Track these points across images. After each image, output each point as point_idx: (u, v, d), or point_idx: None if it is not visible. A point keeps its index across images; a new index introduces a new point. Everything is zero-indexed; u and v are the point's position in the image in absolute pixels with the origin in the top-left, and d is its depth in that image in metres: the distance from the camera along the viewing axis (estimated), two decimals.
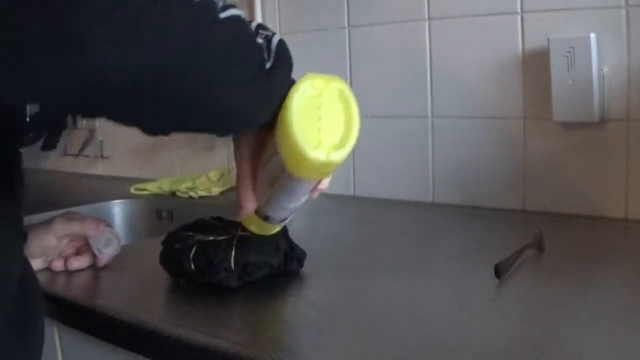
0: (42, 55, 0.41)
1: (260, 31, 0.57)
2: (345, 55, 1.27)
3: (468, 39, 1.11)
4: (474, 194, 1.14)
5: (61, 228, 0.85)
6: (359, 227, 1.10)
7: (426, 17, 1.15)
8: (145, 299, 0.76)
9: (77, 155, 1.87)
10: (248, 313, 0.71)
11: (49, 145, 1.89)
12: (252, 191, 0.67)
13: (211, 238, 0.77)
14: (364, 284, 0.77)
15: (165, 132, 0.54)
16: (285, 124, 0.57)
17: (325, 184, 0.67)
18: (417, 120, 1.19)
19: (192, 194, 1.39)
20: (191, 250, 0.76)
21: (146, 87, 0.45)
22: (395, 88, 1.21)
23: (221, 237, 0.77)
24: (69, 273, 0.85)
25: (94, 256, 0.86)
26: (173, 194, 1.43)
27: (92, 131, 1.82)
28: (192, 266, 0.75)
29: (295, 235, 0.82)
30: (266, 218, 0.68)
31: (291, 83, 0.59)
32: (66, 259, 0.85)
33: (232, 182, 1.45)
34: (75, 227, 0.85)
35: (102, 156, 1.82)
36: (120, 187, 1.57)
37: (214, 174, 1.46)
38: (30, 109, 0.81)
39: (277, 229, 0.71)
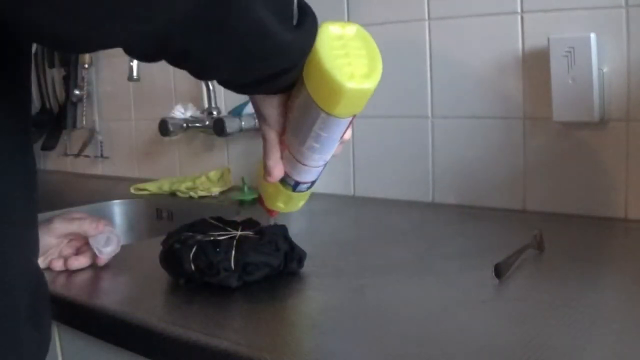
0: None
1: None
2: None
3: (468, 39, 1.11)
4: (474, 194, 1.14)
5: (61, 228, 0.85)
6: (359, 227, 1.10)
7: (426, 17, 1.15)
8: (145, 299, 0.76)
9: (77, 155, 1.87)
10: (248, 313, 0.71)
11: (49, 145, 1.89)
12: (280, 158, 0.68)
13: (211, 238, 0.77)
14: (364, 284, 0.77)
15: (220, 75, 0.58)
16: (318, 63, 0.60)
17: (348, 134, 0.69)
18: (417, 120, 1.19)
19: (192, 194, 1.39)
20: (191, 250, 0.76)
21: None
22: (395, 88, 1.21)
23: (221, 237, 0.77)
24: (69, 273, 0.85)
25: (94, 256, 0.86)
26: (173, 194, 1.44)
27: (92, 131, 1.82)
28: (192, 266, 0.75)
29: (295, 235, 0.82)
30: (296, 185, 0.70)
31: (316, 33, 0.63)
32: (66, 259, 0.85)
33: (232, 182, 1.45)
34: (75, 227, 0.85)
35: (102, 156, 1.82)
36: (120, 187, 1.57)
37: (214, 174, 1.46)
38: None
39: (302, 202, 0.74)
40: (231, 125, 1.32)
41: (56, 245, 0.85)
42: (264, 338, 0.63)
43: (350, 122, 0.67)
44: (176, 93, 1.57)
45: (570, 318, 0.63)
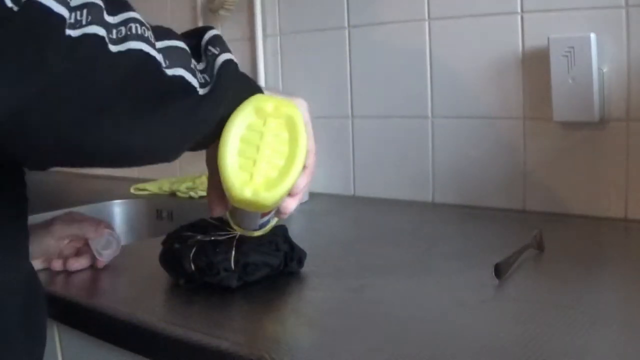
0: None
1: (209, 47, 0.56)
2: (345, 55, 1.27)
3: (468, 39, 1.11)
4: (473, 193, 1.14)
5: (61, 229, 0.85)
6: (359, 227, 1.10)
7: (426, 17, 1.15)
8: (145, 299, 0.76)
9: None
10: (248, 313, 0.71)
11: None
12: (222, 196, 0.63)
13: (211, 238, 0.77)
14: (364, 284, 0.77)
15: (47, 168, 0.53)
16: (219, 150, 0.54)
17: (289, 207, 0.63)
18: (417, 120, 1.19)
19: (192, 194, 1.39)
20: (191, 250, 0.76)
21: (13, 130, 0.44)
22: (395, 88, 1.21)
23: (221, 237, 0.77)
24: (69, 273, 0.85)
25: (94, 257, 0.86)
26: (173, 194, 1.43)
27: None
28: (192, 266, 0.75)
29: (295, 235, 0.82)
30: (239, 225, 0.66)
31: (241, 101, 0.57)
32: (66, 259, 0.85)
33: None
34: (74, 229, 0.85)
35: None
36: (120, 187, 1.57)
37: None
38: None
39: (257, 234, 0.68)
40: None
41: (56, 246, 0.85)
42: (264, 338, 0.63)
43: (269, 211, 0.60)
44: None
45: (570, 318, 0.63)
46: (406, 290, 0.75)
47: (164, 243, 0.80)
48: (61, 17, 0.44)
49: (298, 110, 0.56)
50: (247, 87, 0.59)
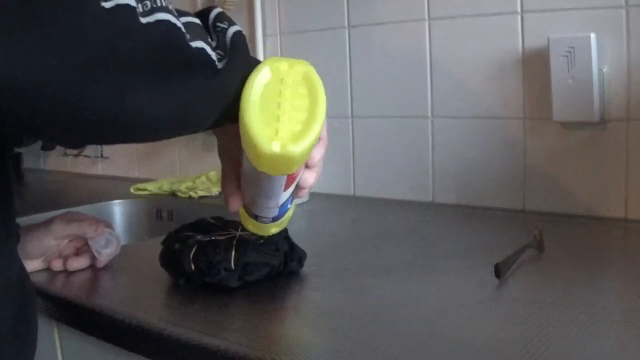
0: None
1: (217, 24, 0.56)
2: (345, 55, 1.27)
3: (468, 39, 1.11)
4: (473, 193, 1.14)
5: (60, 229, 0.85)
6: (359, 227, 1.10)
7: (426, 17, 1.15)
8: (145, 299, 0.76)
9: (77, 155, 1.87)
10: (248, 313, 0.71)
11: (49, 145, 1.89)
12: (237, 187, 0.64)
13: (211, 238, 0.77)
14: (364, 284, 0.77)
15: (82, 145, 0.54)
16: (240, 113, 0.53)
17: (308, 181, 0.62)
18: (417, 120, 1.19)
19: (192, 194, 1.39)
20: (191, 250, 0.76)
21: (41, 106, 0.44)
22: (395, 88, 1.21)
23: (221, 237, 0.77)
24: (69, 273, 0.85)
25: (94, 257, 0.86)
26: (173, 194, 1.43)
27: None
28: (192, 266, 0.75)
29: (295, 235, 0.82)
30: (256, 217, 0.65)
31: (250, 70, 0.56)
32: (65, 259, 0.85)
33: None
34: (74, 229, 0.85)
35: (102, 156, 1.82)
36: (120, 187, 1.57)
37: (214, 174, 1.46)
38: None
39: (273, 230, 0.68)
40: None
41: (55, 246, 0.85)
42: (264, 338, 0.63)
43: (295, 177, 0.59)
44: None
45: (570, 318, 0.62)
46: (406, 290, 0.75)
47: (164, 243, 0.80)
48: None
49: (312, 67, 0.56)
50: (255, 57, 0.60)
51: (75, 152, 1.87)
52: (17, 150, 1.86)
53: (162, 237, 0.81)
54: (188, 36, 0.51)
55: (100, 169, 1.84)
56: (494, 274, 0.74)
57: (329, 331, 0.64)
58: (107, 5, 0.45)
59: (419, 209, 1.17)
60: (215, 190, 1.40)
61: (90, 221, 0.86)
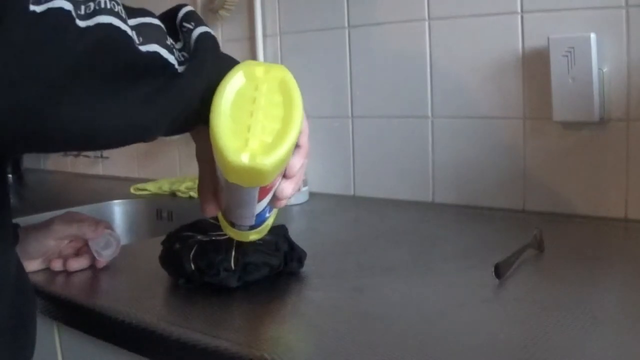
0: None
1: (184, 24, 0.54)
2: (345, 55, 1.27)
3: (468, 39, 1.11)
4: (474, 194, 1.14)
5: (60, 230, 0.84)
6: (359, 227, 1.10)
7: (426, 17, 1.15)
8: (145, 299, 0.76)
9: (77, 155, 1.87)
10: (248, 313, 0.71)
11: None
12: (213, 193, 0.61)
13: (211, 238, 0.77)
14: (364, 284, 0.77)
15: (9, 156, 0.51)
16: (210, 120, 0.50)
17: (285, 191, 0.58)
18: (417, 120, 1.19)
19: (192, 194, 1.39)
20: (191, 250, 0.76)
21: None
22: (395, 88, 1.21)
23: (221, 237, 0.77)
24: (69, 273, 0.85)
25: (94, 257, 0.86)
26: (173, 194, 1.43)
27: None
28: (192, 266, 0.75)
29: (295, 235, 0.82)
30: (232, 224, 0.62)
31: (223, 72, 0.53)
32: (65, 260, 0.85)
33: None
34: (73, 229, 0.85)
35: (102, 156, 1.82)
36: (120, 187, 1.57)
37: None
38: None
39: (252, 237, 0.64)
40: None
41: (55, 246, 0.85)
42: (264, 338, 0.63)
43: (270, 187, 0.56)
44: None
45: (570, 318, 0.62)
46: (406, 290, 0.75)
47: (164, 243, 0.80)
48: None
49: (289, 73, 0.53)
50: (227, 59, 0.56)
51: (75, 152, 1.87)
52: None
53: (162, 237, 0.81)
54: (140, 39, 0.49)
55: (100, 169, 1.84)
56: (494, 274, 0.74)
57: (329, 331, 0.64)
58: (38, 9, 0.42)
59: (419, 209, 1.17)
60: None
61: (90, 222, 0.86)
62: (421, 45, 1.16)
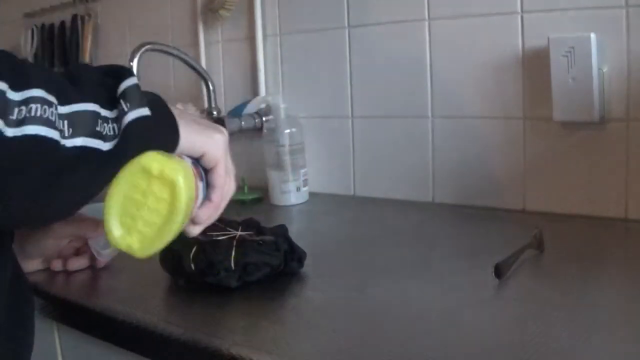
0: None
1: (121, 101, 0.54)
2: (345, 55, 1.27)
3: (468, 39, 1.11)
4: (474, 193, 1.14)
5: (60, 229, 0.84)
6: (359, 227, 1.10)
7: (426, 17, 1.15)
8: (145, 299, 0.76)
9: None
10: (248, 313, 0.71)
11: None
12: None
13: (211, 238, 0.77)
14: (364, 284, 0.77)
15: None
16: (104, 203, 0.56)
17: (191, 233, 0.65)
18: (417, 120, 1.19)
19: None
20: (191, 250, 0.76)
21: None
22: (395, 88, 1.21)
23: (221, 237, 0.77)
24: (69, 273, 0.85)
25: (93, 257, 0.86)
26: None
27: None
28: (192, 266, 0.75)
29: (295, 235, 0.82)
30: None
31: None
32: (65, 259, 0.85)
33: None
34: (73, 229, 0.85)
35: None
36: None
37: None
38: None
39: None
40: (231, 125, 1.32)
41: (55, 246, 0.85)
42: (264, 338, 0.63)
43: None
44: (176, 93, 1.57)
45: (570, 318, 0.63)
46: (406, 290, 0.75)
47: None
48: None
49: (184, 174, 0.57)
50: (151, 146, 0.57)
51: None
52: None
53: None
54: (69, 132, 0.50)
55: None
56: (494, 274, 0.74)
57: (329, 331, 0.64)
58: None
59: (419, 209, 1.17)
60: None
61: (90, 221, 0.86)
62: (421, 45, 1.16)
